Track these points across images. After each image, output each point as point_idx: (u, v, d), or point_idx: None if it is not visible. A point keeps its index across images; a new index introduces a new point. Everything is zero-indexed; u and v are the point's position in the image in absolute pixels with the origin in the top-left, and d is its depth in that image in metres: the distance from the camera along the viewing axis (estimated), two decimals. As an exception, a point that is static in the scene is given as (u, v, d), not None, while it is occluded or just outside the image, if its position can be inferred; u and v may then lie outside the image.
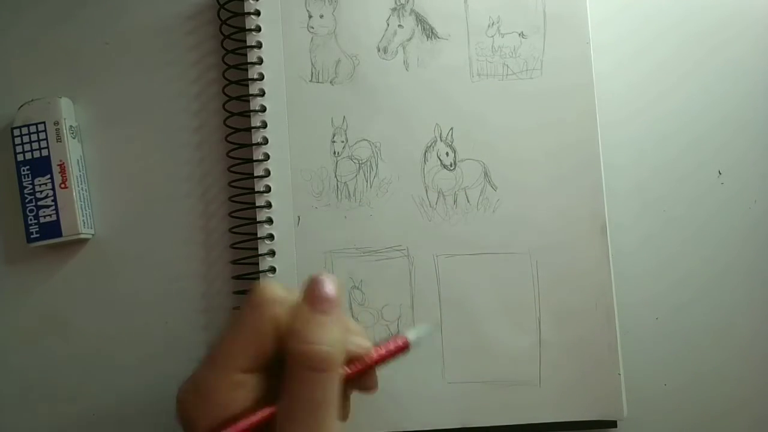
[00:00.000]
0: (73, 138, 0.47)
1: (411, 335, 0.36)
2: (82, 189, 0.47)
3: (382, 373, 0.34)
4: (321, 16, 0.47)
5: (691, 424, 0.46)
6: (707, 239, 0.48)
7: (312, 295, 0.33)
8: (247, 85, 0.47)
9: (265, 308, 0.32)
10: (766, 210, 0.48)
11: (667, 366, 0.47)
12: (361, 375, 0.34)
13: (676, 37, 0.49)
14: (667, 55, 0.49)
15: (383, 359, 0.35)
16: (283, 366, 0.31)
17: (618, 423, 0.45)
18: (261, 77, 0.46)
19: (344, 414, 0.34)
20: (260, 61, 0.47)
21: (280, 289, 0.33)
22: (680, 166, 0.48)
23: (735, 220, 0.48)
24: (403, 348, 0.36)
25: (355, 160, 0.46)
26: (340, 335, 0.32)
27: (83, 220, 0.47)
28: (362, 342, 0.34)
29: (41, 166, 0.46)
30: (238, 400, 0.31)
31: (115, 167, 0.49)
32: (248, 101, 0.46)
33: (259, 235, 0.46)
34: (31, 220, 0.46)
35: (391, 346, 0.35)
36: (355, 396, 0.34)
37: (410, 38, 0.47)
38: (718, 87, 0.49)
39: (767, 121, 0.48)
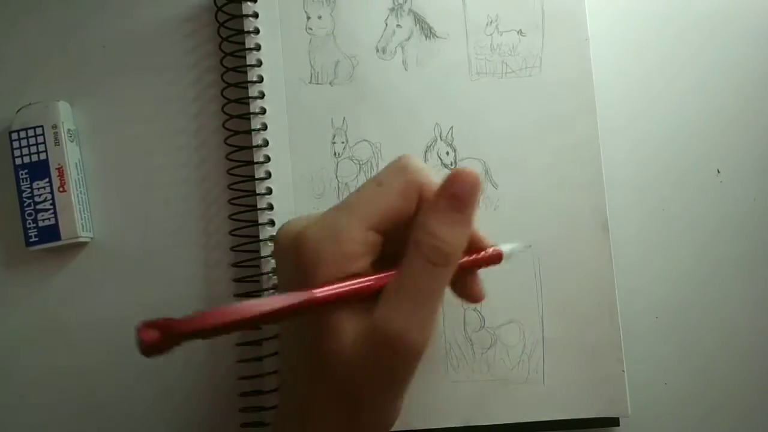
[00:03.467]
0: (72, 141, 0.47)
1: (505, 248, 0.37)
2: (80, 192, 0.47)
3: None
4: (319, 17, 0.47)
5: (692, 422, 0.46)
6: (707, 237, 0.48)
7: (450, 190, 0.33)
8: (247, 88, 0.46)
9: (413, 174, 0.33)
10: (765, 207, 0.48)
11: (667, 364, 0.47)
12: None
13: (674, 34, 0.49)
14: (666, 52, 0.49)
15: (480, 261, 0.36)
16: (405, 240, 0.32)
17: (621, 420, 0.45)
18: (260, 79, 0.46)
19: (474, 295, 0.36)
20: (259, 64, 0.46)
21: (417, 160, 0.34)
22: (680, 165, 0.48)
23: (734, 218, 0.48)
24: (497, 258, 0.37)
25: (355, 161, 0.46)
26: (464, 236, 0.33)
27: (82, 224, 0.46)
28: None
29: (39, 169, 0.46)
30: (366, 255, 0.32)
31: (114, 170, 0.48)
32: (248, 103, 0.46)
33: (261, 238, 0.45)
34: (29, 224, 0.46)
35: (484, 258, 0.36)
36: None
37: (409, 38, 0.47)
38: (718, 85, 0.49)
39: (766, 119, 0.49)
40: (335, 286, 0.31)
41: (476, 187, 0.33)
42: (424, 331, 0.31)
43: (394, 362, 0.31)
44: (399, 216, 0.33)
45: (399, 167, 0.34)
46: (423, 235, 0.32)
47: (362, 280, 0.32)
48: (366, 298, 0.32)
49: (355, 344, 0.31)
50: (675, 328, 0.47)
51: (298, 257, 0.32)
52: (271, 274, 0.45)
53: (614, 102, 0.48)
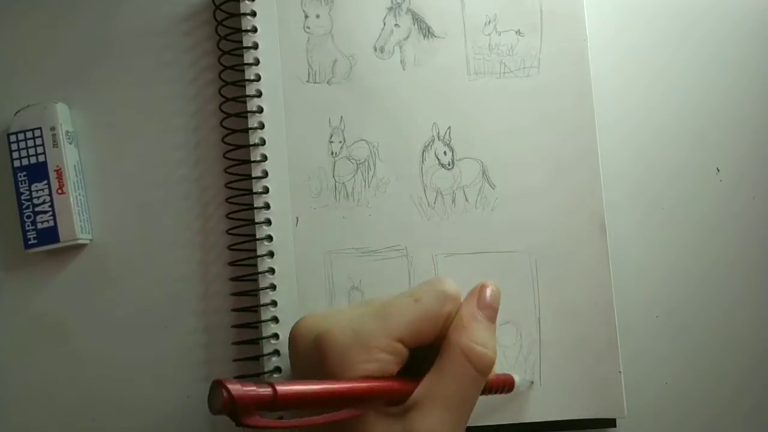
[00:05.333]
0: (70, 143, 0.47)
1: (517, 380, 0.41)
2: (79, 194, 0.47)
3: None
4: (317, 16, 0.47)
5: (692, 423, 0.46)
6: (706, 236, 0.48)
7: (484, 300, 0.36)
8: (244, 86, 0.46)
9: (448, 303, 0.35)
10: (765, 206, 0.48)
11: (668, 364, 0.47)
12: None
13: (673, 34, 0.49)
14: (664, 52, 0.49)
15: (497, 386, 0.39)
16: (428, 352, 0.34)
17: (617, 421, 0.45)
18: (258, 78, 0.46)
19: None
20: (257, 62, 0.46)
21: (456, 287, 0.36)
22: (679, 164, 0.48)
23: (734, 216, 0.48)
24: (510, 385, 0.40)
25: (352, 161, 0.46)
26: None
27: (81, 226, 0.46)
28: None
29: (38, 171, 0.46)
30: (392, 364, 0.33)
31: (112, 171, 0.48)
32: (245, 102, 0.46)
33: (257, 237, 0.45)
34: (28, 226, 0.46)
35: (503, 380, 0.40)
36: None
37: (407, 37, 0.46)
38: (716, 83, 0.49)
39: (765, 118, 0.48)
40: (369, 383, 0.32)
41: (499, 299, 0.37)
42: None
43: None
44: (423, 336, 0.34)
45: (440, 292, 0.35)
46: (472, 344, 0.34)
47: (394, 380, 0.33)
48: (392, 403, 0.33)
49: None
50: (675, 327, 0.47)
51: (323, 358, 0.32)
52: (267, 275, 0.45)
53: (612, 102, 0.48)
